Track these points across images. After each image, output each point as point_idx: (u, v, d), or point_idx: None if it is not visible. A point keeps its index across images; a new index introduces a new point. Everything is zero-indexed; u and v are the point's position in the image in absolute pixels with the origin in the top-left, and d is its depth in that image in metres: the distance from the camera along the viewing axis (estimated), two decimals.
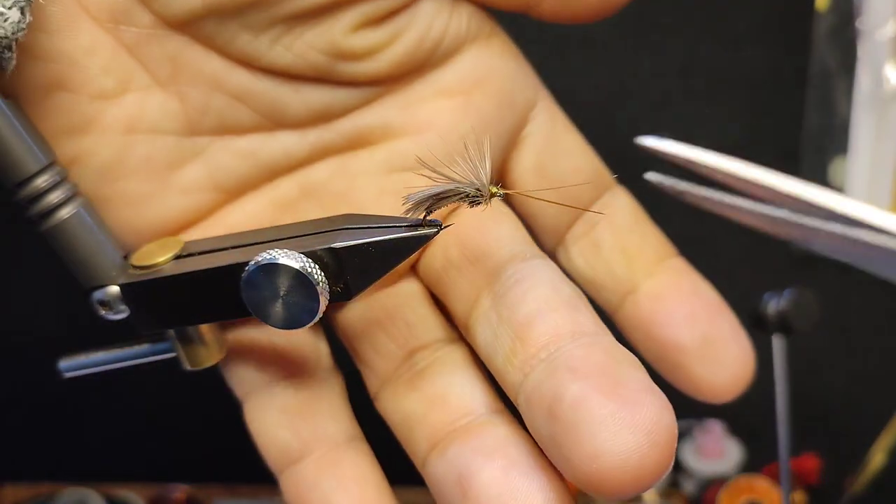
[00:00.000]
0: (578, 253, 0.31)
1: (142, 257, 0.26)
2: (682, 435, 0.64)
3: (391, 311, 0.28)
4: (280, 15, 0.25)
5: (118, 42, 0.25)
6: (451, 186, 0.24)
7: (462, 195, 0.24)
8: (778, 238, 0.20)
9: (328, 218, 0.26)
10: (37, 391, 0.63)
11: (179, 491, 0.62)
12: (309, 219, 0.27)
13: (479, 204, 0.24)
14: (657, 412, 0.20)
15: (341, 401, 0.29)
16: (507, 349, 0.24)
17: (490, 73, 0.28)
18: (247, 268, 0.24)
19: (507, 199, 0.29)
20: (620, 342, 0.23)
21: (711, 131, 0.61)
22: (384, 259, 0.24)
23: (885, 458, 0.59)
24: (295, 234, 0.25)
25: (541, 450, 0.23)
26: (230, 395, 0.30)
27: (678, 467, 0.64)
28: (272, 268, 0.24)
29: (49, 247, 0.26)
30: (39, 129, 0.25)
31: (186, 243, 0.27)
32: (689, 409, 0.30)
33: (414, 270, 0.29)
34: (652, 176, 0.22)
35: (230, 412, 0.29)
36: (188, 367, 0.28)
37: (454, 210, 0.27)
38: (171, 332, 0.27)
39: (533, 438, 0.23)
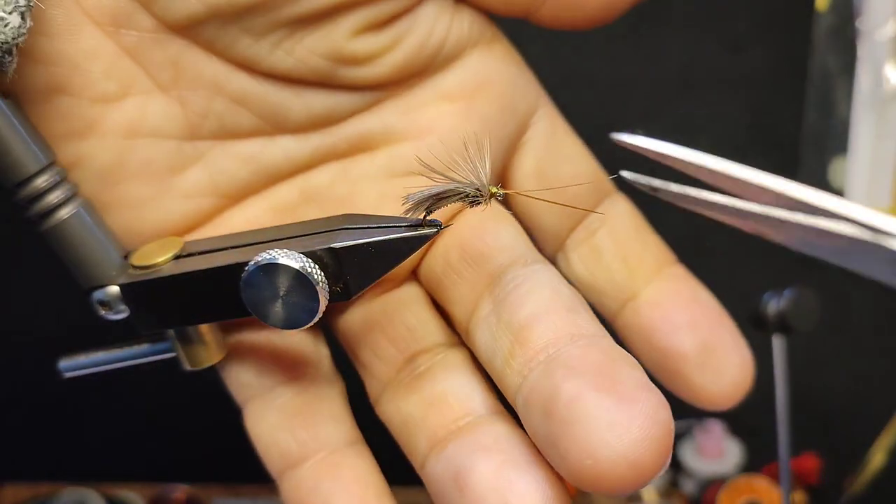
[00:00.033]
0: (578, 259, 0.31)
1: (141, 257, 0.26)
2: (682, 435, 0.64)
3: (392, 314, 0.28)
4: (281, 19, 0.25)
5: (119, 46, 0.25)
6: (451, 186, 0.24)
7: (462, 195, 0.24)
8: (753, 234, 0.20)
9: (328, 218, 0.26)
10: (37, 391, 0.63)
11: (179, 491, 0.62)
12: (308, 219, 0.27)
13: (478, 204, 0.24)
14: (653, 408, 0.21)
15: (342, 405, 0.29)
16: (506, 351, 0.24)
17: (492, 77, 0.28)
18: (246, 268, 0.24)
19: (509, 205, 0.29)
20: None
21: (711, 131, 0.61)
22: (384, 259, 0.24)
23: (885, 458, 0.59)
24: (295, 235, 0.26)
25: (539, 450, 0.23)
26: (230, 395, 0.30)
27: (678, 467, 0.64)
28: (272, 268, 0.24)
29: (49, 247, 0.26)
30: (41, 132, 0.25)
31: (186, 243, 0.27)
32: (689, 409, 0.30)
33: (415, 275, 0.29)
34: (626, 174, 0.22)
35: (230, 412, 0.29)
36: (188, 367, 0.28)
37: (457, 213, 0.27)
38: (171, 332, 0.27)
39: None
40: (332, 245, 0.24)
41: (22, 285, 0.62)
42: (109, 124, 0.26)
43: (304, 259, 0.24)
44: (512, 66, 0.29)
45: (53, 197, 0.25)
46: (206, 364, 0.28)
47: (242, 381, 0.29)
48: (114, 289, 0.26)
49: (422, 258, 0.28)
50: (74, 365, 0.28)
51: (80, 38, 0.24)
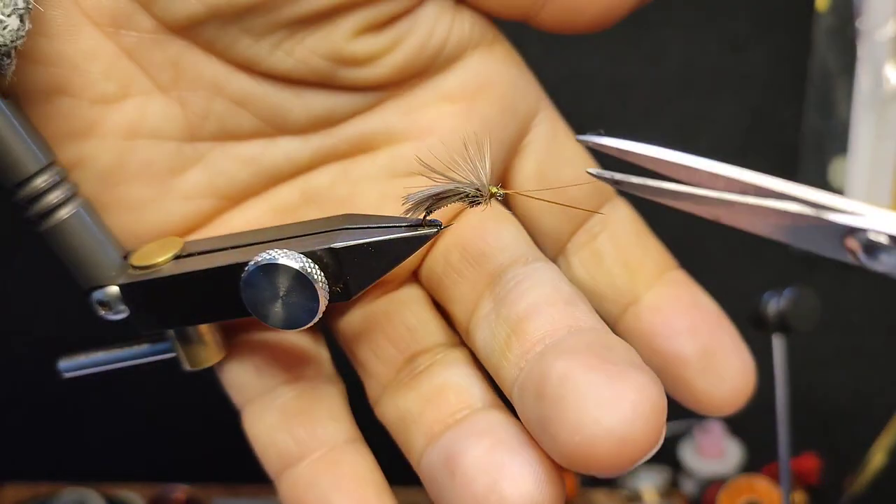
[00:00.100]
0: (579, 263, 0.31)
1: (141, 257, 0.26)
2: (682, 435, 0.64)
3: (392, 314, 0.28)
4: (281, 20, 0.25)
5: (119, 46, 0.25)
6: (451, 186, 0.24)
7: (462, 195, 0.24)
8: (710, 218, 0.22)
9: (328, 218, 0.26)
10: (37, 391, 0.63)
11: (179, 491, 0.62)
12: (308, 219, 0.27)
13: (479, 204, 0.24)
14: (643, 383, 0.20)
15: (342, 405, 0.29)
16: (503, 343, 0.24)
17: (493, 79, 0.28)
18: (246, 268, 0.24)
19: (510, 208, 0.29)
20: None
21: (711, 131, 0.61)
22: (384, 259, 0.24)
23: (885, 458, 0.60)
24: (294, 235, 0.25)
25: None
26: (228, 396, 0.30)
27: (678, 467, 0.64)
28: (272, 268, 0.24)
29: (49, 247, 0.26)
30: (41, 132, 0.25)
31: (186, 243, 0.27)
32: (689, 410, 0.30)
33: (415, 276, 0.29)
34: (592, 171, 0.23)
35: (230, 412, 0.29)
36: (188, 368, 0.28)
37: (458, 214, 0.27)
38: (171, 332, 0.27)
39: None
40: (332, 245, 0.24)
41: (22, 285, 0.62)
42: (109, 125, 0.26)
43: (304, 259, 0.24)
44: (513, 67, 0.29)
45: (53, 197, 0.25)
46: (206, 364, 0.28)
47: (242, 382, 0.29)
48: (113, 289, 0.26)
49: (422, 259, 0.28)
50: (74, 365, 0.28)
51: (80, 39, 0.24)
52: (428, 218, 0.24)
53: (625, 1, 0.28)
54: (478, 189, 0.24)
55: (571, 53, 0.58)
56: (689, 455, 0.63)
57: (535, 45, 0.31)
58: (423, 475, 0.25)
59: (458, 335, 0.28)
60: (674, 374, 0.29)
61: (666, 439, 0.21)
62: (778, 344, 0.47)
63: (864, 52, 0.57)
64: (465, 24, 0.28)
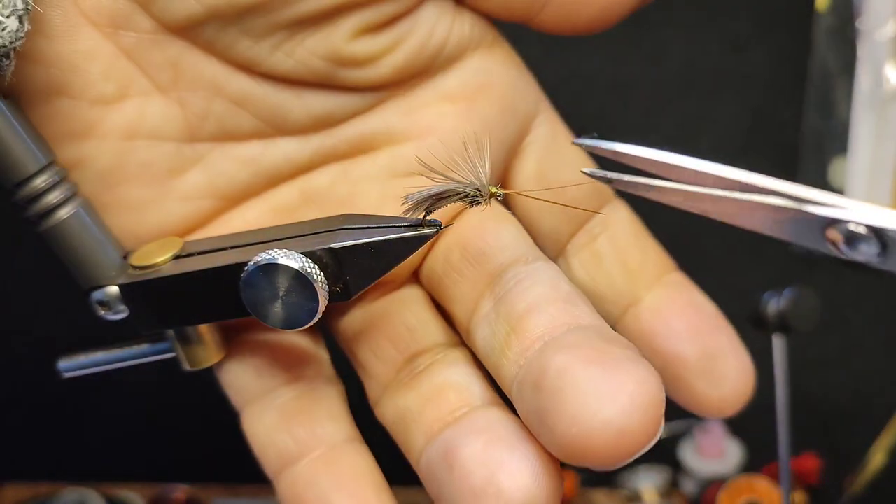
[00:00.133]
0: (579, 264, 0.31)
1: (141, 257, 0.26)
2: (682, 435, 0.64)
3: (392, 314, 0.28)
4: (280, 21, 0.25)
5: (118, 47, 0.25)
6: (451, 186, 0.24)
7: (462, 195, 0.24)
8: (699, 213, 0.23)
9: (327, 218, 0.26)
10: (37, 391, 0.63)
11: (179, 491, 0.62)
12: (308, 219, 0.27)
13: (478, 204, 0.24)
14: (641, 376, 0.20)
15: (341, 406, 0.29)
16: (503, 342, 0.24)
17: (493, 79, 0.28)
18: (246, 268, 0.24)
19: (510, 209, 0.29)
20: None
21: (711, 131, 0.61)
22: (383, 259, 0.24)
23: (885, 458, 0.60)
24: (294, 235, 0.26)
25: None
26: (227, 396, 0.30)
27: (678, 467, 0.64)
28: (271, 268, 0.24)
29: (49, 247, 0.26)
30: (41, 133, 0.25)
31: (186, 243, 0.27)
32: (689, 410, 0.30)
33: (415, 276, 0.29)
34: (587, 170, 0.24)
35: (230, 412, 0.29)
36: (188, 368, 0.28)
37: (458, 214, 0.27)
38: (171, 332, 0.27)
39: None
40: (331, 245, 0.24)
41: (22, 285, 0.62)
42: (109, 126, 0.26)
43: (304, 259, 0.24)
44: (513, 68, 0.29)
45: (53, 197, 0.25)
46: (206, 364, 0.28)
47: (241, 383, 0.29)
48: (113, 289, 0.26)
49: (423, 259, 0.28)
50: (74, 365, 0.28)
51: (79, 40, 0.24)
52: (428, 218, 0.24)
53: (624, 2, 0.28)
54: (478, 189, 0.24)
55: (571, 54, 0.58)
56: (689, 455, 0.63)
57: (534, 45, 0.31)
58: (422, 472, 0.25)
59: (459, 335, 0.28)
60: (673, 375, 0.29)
61: (666, 439, 0.21)
62: (778, 344, 0.47)
63: (864, 52, 0.57)
64: (464, 25, 0.28)
